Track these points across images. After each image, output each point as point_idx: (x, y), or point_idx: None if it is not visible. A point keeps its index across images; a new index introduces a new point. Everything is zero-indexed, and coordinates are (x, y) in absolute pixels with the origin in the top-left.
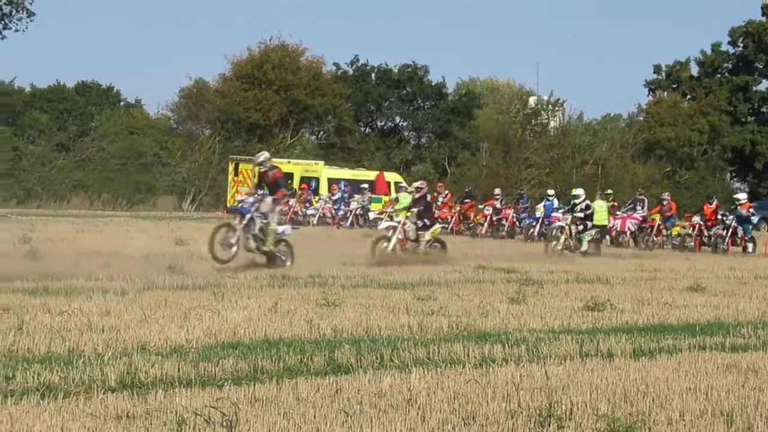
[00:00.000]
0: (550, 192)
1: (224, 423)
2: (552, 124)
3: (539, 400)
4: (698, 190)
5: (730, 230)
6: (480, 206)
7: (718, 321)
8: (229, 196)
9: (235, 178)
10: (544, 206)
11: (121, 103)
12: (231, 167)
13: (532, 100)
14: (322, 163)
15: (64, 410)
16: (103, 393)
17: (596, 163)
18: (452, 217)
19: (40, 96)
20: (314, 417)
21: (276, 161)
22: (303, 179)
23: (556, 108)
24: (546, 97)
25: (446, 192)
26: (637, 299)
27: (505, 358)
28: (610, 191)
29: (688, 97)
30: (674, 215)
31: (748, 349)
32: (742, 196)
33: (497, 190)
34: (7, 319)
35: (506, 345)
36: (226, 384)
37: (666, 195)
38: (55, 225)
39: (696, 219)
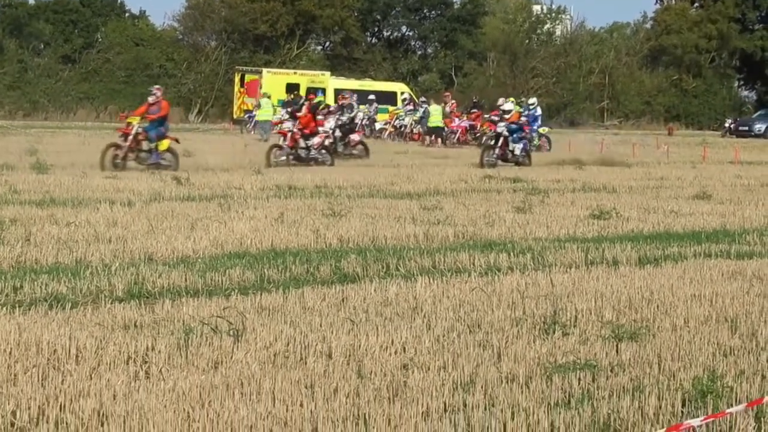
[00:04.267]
0: (531, 100)
1: (231, 331)
2: (558, 32)
3: (544, 308)
4: (706, 98)
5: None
6: (486, 116)
7: (724, 228)
8: (235, 107)
9: (241, 90)
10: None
11: (126, 15)
12: (237, 78)
13: (536, 9)
14: (328, 73)
15: (71, 320)
16: (111, 303)
17: (603, 71)
18: (459, 127)
19: (44, 8)
20: (320, 325)
21: (282, 72)
22: (309, 90)
23: (559, 15)
24: (549, 4)
25: (452, 101)
26: (643, 207)
27: (510, 266)
28: (523, 99)
29: (696, 4)
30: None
31: (754, 256)
32: (508, 107)
33: (501, 100)
34: (15, 230)
35: (512, 254)
36: (232, 293)
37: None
38: (62, 137)
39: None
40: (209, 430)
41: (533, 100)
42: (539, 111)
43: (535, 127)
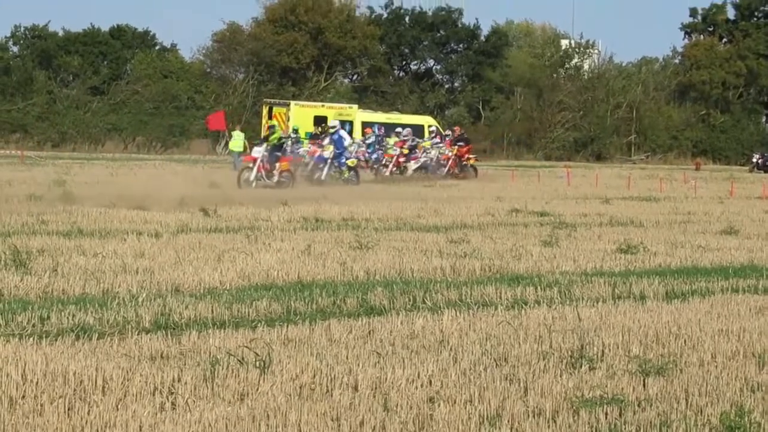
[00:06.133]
0: (332, 123)
1: (257, 363)
2: (585, 66)
3: (571, 342)
4: (733, 133)
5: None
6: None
7: (752, 264)
8: None
9: (269, 122)
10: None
11: (156, 47)
12: (265, 110)
13: (564, 43)
14: (356, 106)
15: (98, 351)
16: (138, 334)
17: (630, 106)
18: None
19: (74, 40)
20: (347, 358)
21: (310, 104)
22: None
23: (588, 50)
24: (578, 39)
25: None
26: (671, 242)
27: (537, 300)
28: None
29: (725, 40)
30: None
31: None
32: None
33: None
34: (42, 260)
35: (538, 287)
36: (259, 325)
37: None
38: (90, 168)
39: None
40: None
41: (333, 122)
42: (345, 136)
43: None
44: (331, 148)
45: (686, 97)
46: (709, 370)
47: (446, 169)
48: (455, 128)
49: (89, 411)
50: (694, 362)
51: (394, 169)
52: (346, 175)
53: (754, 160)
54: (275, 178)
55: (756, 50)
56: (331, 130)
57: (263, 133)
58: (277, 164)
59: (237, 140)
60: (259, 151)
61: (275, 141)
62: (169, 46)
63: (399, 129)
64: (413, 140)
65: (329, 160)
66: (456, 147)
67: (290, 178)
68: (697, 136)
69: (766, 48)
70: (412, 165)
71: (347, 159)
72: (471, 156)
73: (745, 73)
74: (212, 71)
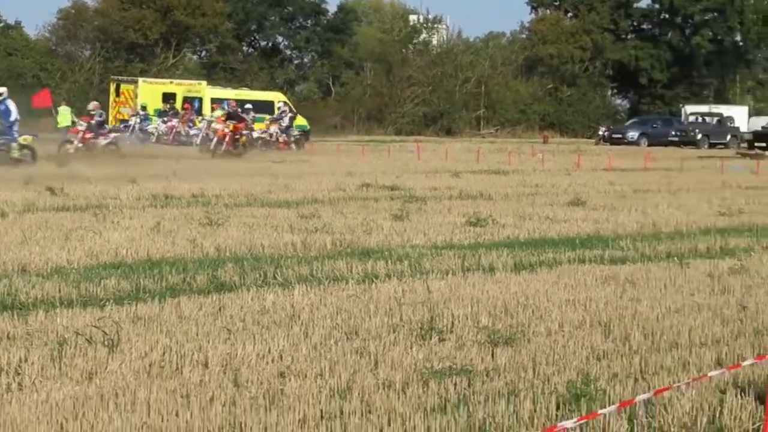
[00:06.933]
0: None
1: (106, 342)
2: (434, 42)
3: (421, 314)
4: (580, 106)
5: None
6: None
7: (598, 234)
8: (110, 117)
9: (117, 99)
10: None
11: (0, 24)
12: (112, 88)
13: (412, 18)
14: (204, 83)
15: None
16: None
17: (479, 80)
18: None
19: None
20: (197, 335)
21: (159, 81)
22: (186, 99)
23: (435, 25)
24: (426, 14)
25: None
26: (519, 214)
27: (387, 273)
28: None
29: (570, 14)
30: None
31: (626, 261)
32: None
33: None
34: None
35: (389, 261)
36: (107, 304)
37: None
38: None
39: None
40: None
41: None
42: (11, 108)
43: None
44: None
45: (534, 71)
46: (556, 339)
47: (223, 146)
48: (231, 102)
49: None
50: (542, 332)
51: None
52: (16, 154)
53: (600, 132)
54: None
55: (601, 24)
56: None
57: (111, 112)
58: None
59: (64, 115)
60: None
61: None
62: (13, 23)
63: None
64: (101, 114)
65: None
66: (231, 123)
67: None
68: (544, 110)
69: (610, 22)
70: (102, 141)
71: (17, 136)
72: (243, 133)
73: (590, 47)
74: (58, 48)
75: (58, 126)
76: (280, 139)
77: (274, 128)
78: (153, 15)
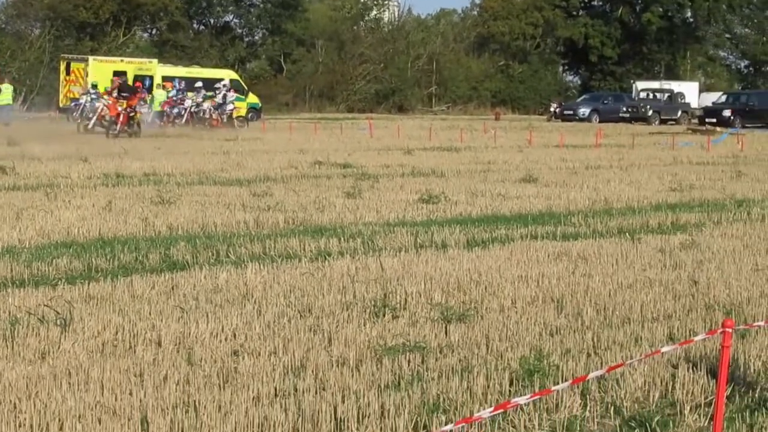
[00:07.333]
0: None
1: (58, 321)
2: (385, 19)
3: (374, 291)
4: (531, 83)
5: None
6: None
7: (550, 211)
8: (61, 96)
9: (67, 77)
10: None
11: None
12: (63, 66)
13: None
14: (155, 61)
15: None
16: None
17: (430, 57)
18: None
19: None
20: (150, 314)
21: (109, 59)
22: (137, 78)
23: (386, 2)
24: None
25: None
26: (471, 191)
27: (340, 251)
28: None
29: None
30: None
31: (578, 237)
32: None
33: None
34: None
35: (342, 238)
36: (59, 283)
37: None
38: None
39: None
40: (36, 421)
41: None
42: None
43: None
44: None
45: (485, 48)
46: (509, 315)
47: (117, 126)
48: (114, 78)
49: None
50: (495, 308)
51: None
52: None
53: (552, 109)
54: None
55: (552, 1)
56: None
57: (61, 90)
58: None
59: (6, 93)
60: None
61: None
62: None
63: (199, 83)
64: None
65: None
66: (124, 100)
67: None
68: (496, 87)
69: None
70: None
71: None
72: (136, 109)
73: (542, 23)
74: (7, 27)
75: (0, 103)
76: (214, 116)
77: (207, 105)
78: None
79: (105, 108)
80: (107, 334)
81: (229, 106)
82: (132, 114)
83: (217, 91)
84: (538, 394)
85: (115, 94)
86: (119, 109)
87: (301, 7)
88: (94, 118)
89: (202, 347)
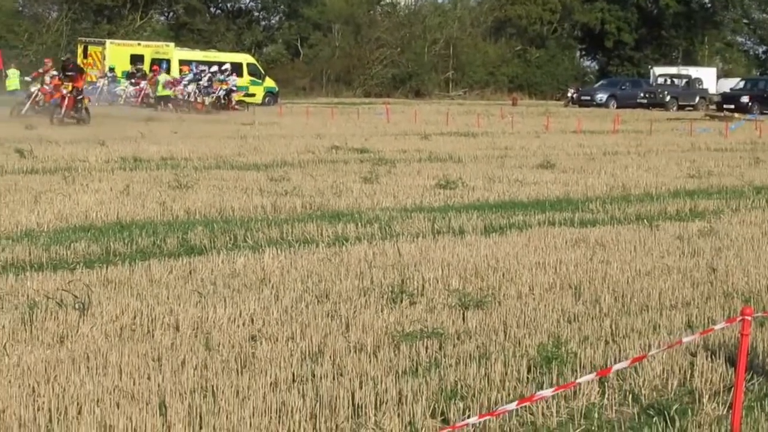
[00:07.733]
0: None
1: (76, 305)
2: (402, 3)
3: (392, 277)
4: (548, 68)
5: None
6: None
7: (567, 197)
8: None
9: (84, 61)
10: None
11: None
12: (80, 49)
13: None
14: (172, 45)
15: None
16: None
17: (447, 42)
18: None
19: None
20: (167, 298)
21: (126, 43)
22: (154, 61)
23: None
24: None
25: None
26: (488, 177)
27: (358, 236)
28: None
29: None
30: None
31: (596, 223)
32: None
33: None
34: None
35: (359, 224)
36: (78, 267)
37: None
38: None
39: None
40: (55, 404)
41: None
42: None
43: None
44: None
45: (502, 33)
46: (527, 302)
47: (62, 110)
48: (46, 60)
49: None
50: (512, 295)
51: None
52: None
53: (569, 94)
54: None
55: None
56: None
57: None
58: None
59: (13, 79)
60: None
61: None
62: None
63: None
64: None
65: None
66: (69, 82)
67: None
68: (513, 72)
69: None
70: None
71: None
72: (83, 93)
73: (559, 9)
74: (24, 10)
75: (8, 89)
76: (199, 99)
77: (191, 88)
78: None
79: (38, 92)
80: (125, 318)
81: (220, 91)
82: (80, 97)
83: (203, 74)
84: (561, 387)
85: (54, 73)
86: (63, 91)
87: None
88: (29, 102)
89: (220, 332)
